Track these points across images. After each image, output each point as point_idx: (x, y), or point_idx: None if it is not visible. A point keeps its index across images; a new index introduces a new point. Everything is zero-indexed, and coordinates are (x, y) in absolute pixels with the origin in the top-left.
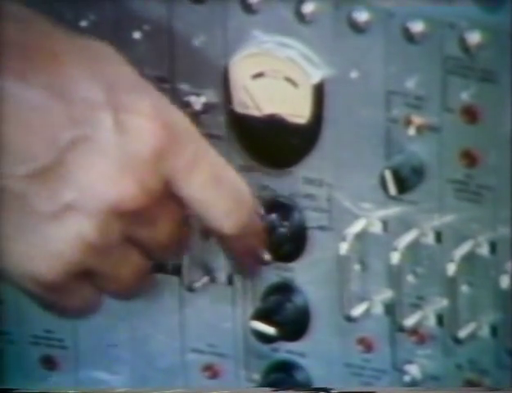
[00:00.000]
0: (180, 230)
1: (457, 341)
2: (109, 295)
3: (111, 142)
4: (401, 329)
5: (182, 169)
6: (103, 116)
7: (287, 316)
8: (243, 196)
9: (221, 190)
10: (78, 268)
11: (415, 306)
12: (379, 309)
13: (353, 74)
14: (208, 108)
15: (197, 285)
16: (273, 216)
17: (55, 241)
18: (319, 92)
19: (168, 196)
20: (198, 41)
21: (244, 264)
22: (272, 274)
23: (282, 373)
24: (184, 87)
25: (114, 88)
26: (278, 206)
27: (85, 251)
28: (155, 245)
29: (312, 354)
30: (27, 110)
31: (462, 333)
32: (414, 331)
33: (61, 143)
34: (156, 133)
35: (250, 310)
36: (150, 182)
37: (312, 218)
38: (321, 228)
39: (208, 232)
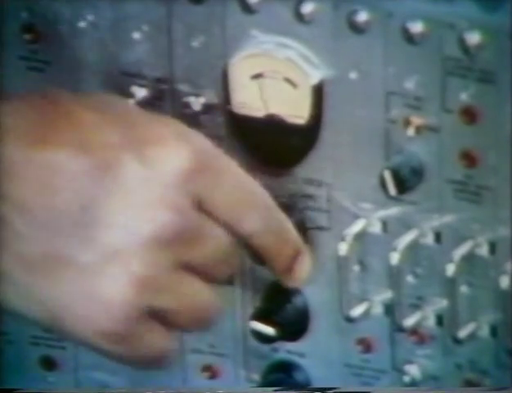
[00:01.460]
0: (229, 243)
1: (457, 341)
2: (183, 330)
3: (138, 177)
4: (401, 329)
5: (209, 184)
6: (125, 155)
7: (287, 316)
8: (261, 197)
9: (243, 194)
10: (139, 311)
11: (415, 306)
12: (378, 310)
13: (353, 75)
14: (207, 109)
15: None
16: None
17: (108, 289)
18: (318, 92)
19: (203, 213)
20: (197, 41)
21: (277, 268)
22: (272, 274)
23: (282, 373)
24: (183, 87)
25: (130, 126)
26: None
27: (140, 290)
28: (210, 264)
29: (311, 354)
30: (51, 170)
31: (462, 333)
32: (413, 331)
33: (91, 192)
34: (181, 156)
35: (250, 310)
36: (183, 204)
37: (312, 218)
38: (321, 228)
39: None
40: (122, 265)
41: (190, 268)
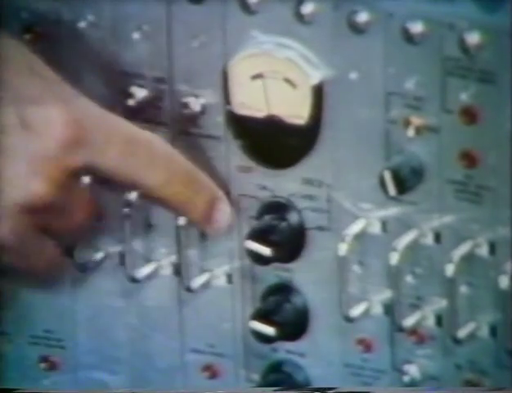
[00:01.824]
0: (89, 213)
1: (456, 341)
2: (28, 283)
3: (18, 140)
4: (401, 329)
5: (97, 150)
6: (8, 111)
7: (286, 316)
8: (160, 151)
9: (138, 152)
10: None
11: (415, 306)
12: (378, 310)
13: (353, 75)
14: (207, 109)
15: (196, 285)
16: (272, 216)
17: None
18: (318, 93)
19: (77, 182)
20: (197, 41)
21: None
22: (272, 275)
23: (282, 373)
24: (183, 87)
25: (18, 84)
26: (277, 207)
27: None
28: (67, 230)
29: (311, 354)
30: None
31: (461, 333)
32: (413, 331)
33: None
34: (61, 125)
35: (250, 310)
36: (59, 176)
37: (312, 218)
38: (321, 228)
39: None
40: None
41: (48, 232)
